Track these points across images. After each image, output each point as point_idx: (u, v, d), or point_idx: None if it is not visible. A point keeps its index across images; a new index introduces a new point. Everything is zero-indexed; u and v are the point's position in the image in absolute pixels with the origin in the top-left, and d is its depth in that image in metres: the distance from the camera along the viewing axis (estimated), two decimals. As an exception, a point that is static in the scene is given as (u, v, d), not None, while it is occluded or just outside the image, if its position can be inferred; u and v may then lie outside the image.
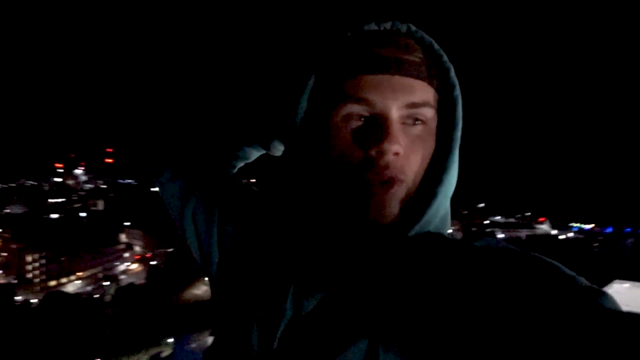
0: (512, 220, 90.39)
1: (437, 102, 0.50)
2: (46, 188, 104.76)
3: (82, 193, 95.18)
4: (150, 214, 70.95)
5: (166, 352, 34.80)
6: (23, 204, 79.65)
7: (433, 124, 0.50)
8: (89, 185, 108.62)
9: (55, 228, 59.71)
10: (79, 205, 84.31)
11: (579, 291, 0.36)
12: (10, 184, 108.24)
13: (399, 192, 0.47)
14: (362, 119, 0.48)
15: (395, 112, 0.47)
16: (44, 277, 49.51)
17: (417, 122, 0.48)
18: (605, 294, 0.36)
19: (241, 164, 0.77)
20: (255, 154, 0.75)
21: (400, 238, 0.48)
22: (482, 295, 0.38)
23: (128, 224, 69.80)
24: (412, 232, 0.48)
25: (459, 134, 0.51)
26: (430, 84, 0.49)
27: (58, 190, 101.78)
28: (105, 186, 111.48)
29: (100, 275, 54.81)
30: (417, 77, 0.48)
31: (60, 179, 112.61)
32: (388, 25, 0.51)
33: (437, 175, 0.49)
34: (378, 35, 0.50)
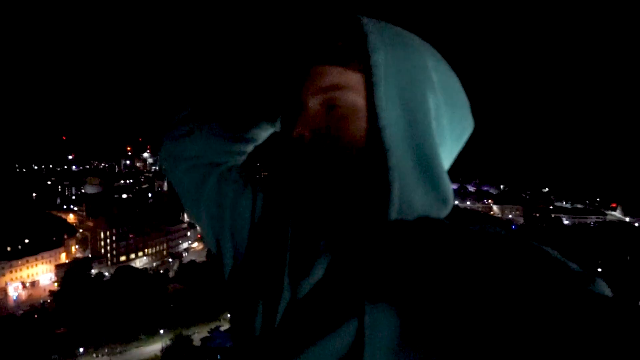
0: (579, 206, 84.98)
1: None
2: (117, 170, 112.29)
3: (149, 175, 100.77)
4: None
5: (225, 326, 36.22)
6: (97, 184, 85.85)
7: (359, 107, 0.49)
8: (155, 167, 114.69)
9: (125, 207, 63.98)
10: (146, 186, 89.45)
11: (569, 277, 0.36)
12: (85, 166, 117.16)
13: (316, 173, 0.50)
14: (289, 109, 0.53)
15: (309, 99, 0.50)
16: (114, 252, 53.50)
17: (336, 106, 0.49)
18: (596, 280, 0.36)
19: (251, 148, 0.75)
20: (263, 134, 0.73)
21: (381, 222, 0.48)
22: (469, 280, 0.39)
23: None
24: (393, 216, 0.48)
25: (382, 116, 0.48)
26: (352, 67, 0.49)
27: (128, 172, 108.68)
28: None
29: (165, 252, 58.32)
30: (333, 63, 0.49)
31: (129, 162, 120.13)
32: (322, 15, 0.52)
33: (383, 163, 0.48)
34: (309, 26, 0.53)
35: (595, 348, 0.30)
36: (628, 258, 46.35)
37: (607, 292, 0.35)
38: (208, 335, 34.49)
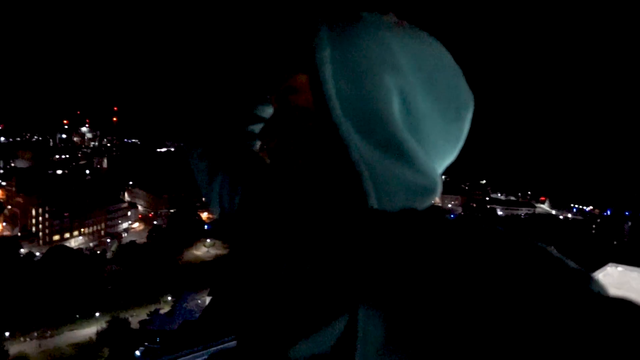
0: (512, 198, 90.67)
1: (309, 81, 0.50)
2: (52, 144, 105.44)
3: (87, 150, 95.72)
4: (154, 174, 71.57)
5: (165, 309, 36.15)
6: (28, 158, 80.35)
7: (302, 106, 0.51)
8: (94, 143, 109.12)
9: (59, 184, 60.47)
10: (83, 162, 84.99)
11: (567, 275, 0.35)
12: (16, 138, 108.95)
13: (297, 177, 0.53)
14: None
15: (274, 105, 0.55)
16: (47, 231, 50.61)
17: (291, 107, 0.52)
18: (593, 278, 0.35)
19: (260, 127, 0.76)
20: (270, 110, 0.74)
21: (364, 215, 0.48)
22: (462, 276, 0.38)
23: (132, 183, 70.62)
24: (375, 207, 0.48)
25: (336, 112, 0.48)
26: (300, 68, 0.51)
27: (64, 147, 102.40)
28: (110, 144, 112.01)
29: (103, 232, 55.97)
30: (285, 68, 0.52)
31: (65, 136, 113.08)
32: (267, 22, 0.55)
33: (347, 158, 0.49)
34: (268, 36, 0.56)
35: (595, 348, 0.29)
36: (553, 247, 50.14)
37: (605, 290, 0.35)
38: (147, 318, 33.88)
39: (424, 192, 0.50)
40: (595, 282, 0.35)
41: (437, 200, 0.52)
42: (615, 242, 54.41)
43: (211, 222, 53.76)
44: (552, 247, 0.39)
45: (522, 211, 75.38)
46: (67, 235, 52.12)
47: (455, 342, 0.36)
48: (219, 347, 7.35)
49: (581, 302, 0.32)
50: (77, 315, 33.23)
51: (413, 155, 0.49)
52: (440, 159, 0.54)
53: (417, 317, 0.39)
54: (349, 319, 0.43)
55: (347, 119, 0.48)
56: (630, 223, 62.44)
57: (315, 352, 0.44)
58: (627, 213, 68.59)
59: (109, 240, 52.86)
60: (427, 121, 0.50)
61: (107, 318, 31.57)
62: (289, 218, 0.58)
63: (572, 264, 0.37)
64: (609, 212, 72.98)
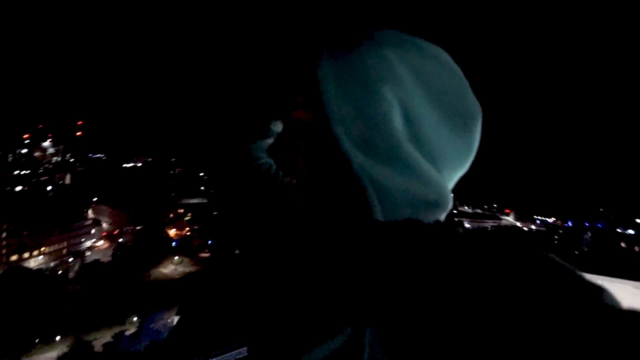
0: (479, 211, 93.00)
1: (309, 97, 0.51)
2: (10, 159, 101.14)
3: (49, 166, 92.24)
4: (120, 190, 69.60)
5: (131, 330, 34.69)
6: (-15, 174, 76.67)
7: (305, 121, 0.52)
8: (56, 158, 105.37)
9: (19, 201, 57.92)
10: (45, 178, 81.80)
11: (579, 286, 0.34)
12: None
13: (301, 191, 0.54)
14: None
15: (282, 120, 0.57)
16: (4, 251, 48.18)
17: (297, 127, 0.53)
18: (605, 290, 0.34)
19: (270, 141, 0.77)
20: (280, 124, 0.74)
21: (370, 227, 0.47)
22: (472, 287, 0.36)
23: (96, 199, 68.41)
24: (381, 219, 0.47)
25: (335, 127, 0.48)
26: (298, 83, 0.52)
27: (24, 161, 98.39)
28: (73, 159, 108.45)
29: (65, 251, 53.78)
30: (288, 85, 0.53)
31: (26, 150, 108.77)
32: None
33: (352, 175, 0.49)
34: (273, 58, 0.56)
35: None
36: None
37: (618, 303, 0.34)
38: (112, 340, 32.60)
39: (431, 204, 0.49)
40: (608, 294, 0.34)
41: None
42: (576, 252, 56.47)
43: (179, 239, 52.66)
44: (561, 259, 0.37)
45: (489, 223, 77.13)
46: (26, 255, 49.74)
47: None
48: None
49: (596, 315, 0.32)
50: (37, 340, 31.57)
51: (418, 167, 0.48)
52: (451, 170, 0.53)
53: (425, 334, 0.37)
54: (350, 334, 0.42)
55: (347, 135, 0.48)
56: (590, 234, 65.01)
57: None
58: (586, 224, 71.46)
59: (71, 259, 50.81)
60: (434, 133, 0.49)
61: (69, 342, 30.19)
62: (297, 230, 0.58)
63: (583, 275, 0.36)
64: (570, 224, 75.70)
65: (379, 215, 0.47)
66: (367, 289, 0.43)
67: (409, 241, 0.44)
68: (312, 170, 0.52)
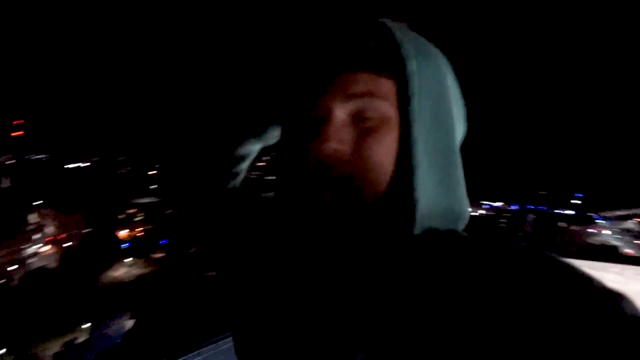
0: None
1: (397, 93, 0.46)
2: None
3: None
4: (64, 192, 66.42)
5: (82, 338, 33.41)
6: None
7: (390, 117, 0.46)
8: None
9: (-49, 208, 53.99)
10: (-20, 182, 76.64)
11: (597, 295, 0.34)
12: None
13: (348, 192, 0.45)
14: (310, 121, 0.47)
15: (336, 109, 0.45)
16: (-64, 263, 44.90)
17: (367, 116, 0.45)
18: (625, 298, 0.34)
19: (245, 165, 0.69)
20: (254, 148, 0.68)
21: (403, 241, 0.45)
22: (492, 307, 0.36)
23: (39, 203, 64.98)
24: (416, 233, 0.45)
25: (416, 128, 0.45)
26: (384, 74, 0.45)
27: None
28: (13, 161, 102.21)
29: (6, 259, 50.82)
30: (364, 69, 0.45)
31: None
32: (344, 18, 0.48)
33: (409, 177, 0.45)
34: (323, 32, 0.48)
35: None
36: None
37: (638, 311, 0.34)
38: (61, 350, 31.37)
39: (457, 215, 0.49)
40: (628, 303, 0.34)
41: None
42: (520, 233, 60.04)
43: (131, 240, 51.11)
44: (579, 266, 0.38)
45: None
46: (-39, 265, 46.58)
47: None
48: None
49: (616, 326, 0.32)
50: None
51: (460, 184, 0.48)
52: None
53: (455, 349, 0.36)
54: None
55: (422, 138, 0.45)
56: (532, 215, 69.15)
57: None
58: (529, 207, 75.84)
59: (13, 267, 48.09)
60: (459, 142, 0.50)
61: (13, 356, 28.81)
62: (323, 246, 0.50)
63: (600, 283, 0.36)
64: (515, 207, 79.83)
65: (417, 229, 0.45)
66: (395, 308, 0.41)
67: (442, 255, 0.43)
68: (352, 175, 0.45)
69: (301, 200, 0.47)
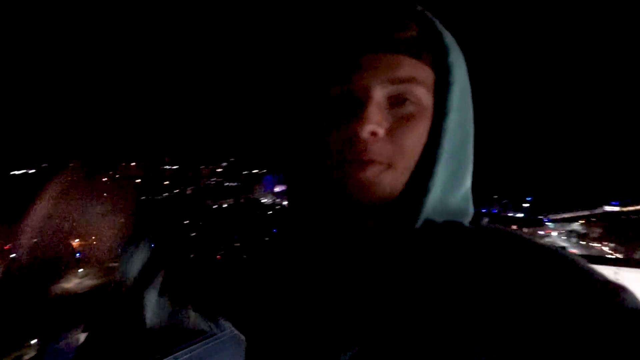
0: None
1: (435, 83, 0.46)
2: None
3: None
4: (7, 199, 62.82)
5: (29, 355, 31.71)
6: None
7: (427, 105, 0.46)
8: None
9: None
10: None
11: (597, 288, 0.34)
12: None
13: (381, 175, 0.44)
14: (345, 99, 0.45)
15: (376, 90, 0.44)
16: None
17: (406, 101, 0.45)
18: (625, 290, 0.34)
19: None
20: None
21: (402, 232, 0.45)
22: (490, 298, 0.37)
23: (-20, 211, 61.06)
24: (420, 222, 0.45)
25: (450, 119, 0.45)
26: (424, 61, 0.45)
27: None
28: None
29: (-58, 273, 47.32)
30: (406, 54, 0.45)
31: None
32: (386, 2, 0.48)
33: (429, 167, 0.45)
34: (365, 12, 0.47)
35: None
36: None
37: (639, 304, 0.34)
38: (7, 369, 29.50)
39: (463, 212, 0.50)
40: (629, 295, 0.34)
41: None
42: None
43: (84, 249, 48.97)
44: (581, 257, 0.38)
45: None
46: None
47: None
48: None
49: (615, 319, 0.32)
50: None
51: (469, 176, 0.50)
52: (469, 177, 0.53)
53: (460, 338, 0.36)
54: (355, 354, 0.41)
55: (453, 128, 0.46)
56: (486, 219, 72.07)
57: None
58: (483, 210, 79.02)
59: (-49, 281, 44.79)
60: (472, 141, 0.52)
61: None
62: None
63: (600, 275, 0.36)
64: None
65: (422, 218, 0.45)
66: (395, 302, 0.41)
67: (444, 247, 0.43)
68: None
69: (334, 178, 0.46)
